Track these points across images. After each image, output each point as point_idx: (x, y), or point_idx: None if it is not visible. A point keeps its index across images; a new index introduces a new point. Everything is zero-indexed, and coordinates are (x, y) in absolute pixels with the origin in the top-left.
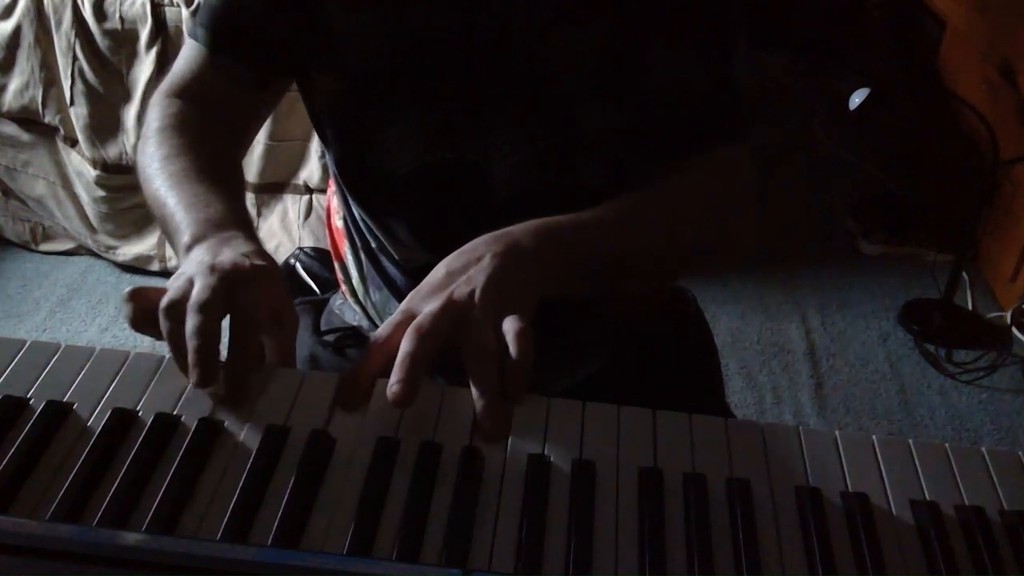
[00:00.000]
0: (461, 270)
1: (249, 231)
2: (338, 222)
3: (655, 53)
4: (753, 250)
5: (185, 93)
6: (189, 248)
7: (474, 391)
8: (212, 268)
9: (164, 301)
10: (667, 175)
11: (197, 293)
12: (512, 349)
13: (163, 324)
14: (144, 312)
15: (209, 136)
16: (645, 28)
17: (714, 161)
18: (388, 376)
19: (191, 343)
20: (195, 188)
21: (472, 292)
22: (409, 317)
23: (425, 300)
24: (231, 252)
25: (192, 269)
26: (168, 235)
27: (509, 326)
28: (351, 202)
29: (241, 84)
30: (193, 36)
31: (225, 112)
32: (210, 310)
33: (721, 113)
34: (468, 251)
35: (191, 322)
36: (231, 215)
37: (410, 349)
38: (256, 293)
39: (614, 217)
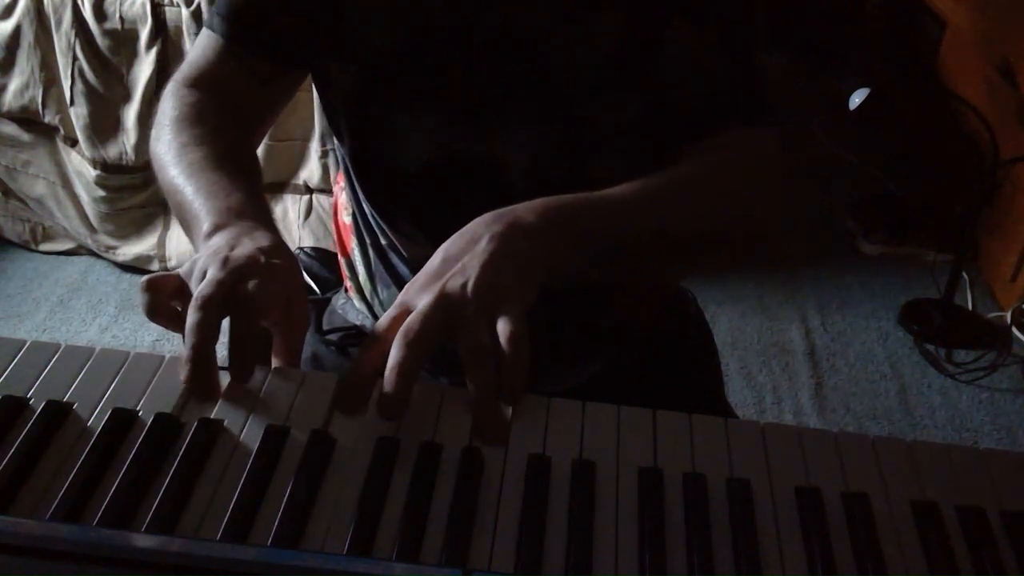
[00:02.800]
0: (456, 256)
1: (269, 222)
2: (346, 218)
3: (673, 39)
4: (768, 236)
5: (201, 83)
6: (209, 236)
7: (470, 390)
8: (225, 261)
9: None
10: (685, 158)
11: (202, 288)
12: (506, 353)
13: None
14: (161, 302)
15: (226, 126)
16: (661, 16)
17: (734, 142)
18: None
19: (188, 339)
20: (214, 177)
21: (464, 284)
22: (405, 312)
23: (418, 294)
24: (249, 244)
25: (207, 261)
26: (185, 223)
27: (502, 327)
28: (362, 198)
29: (257, 75)
30: (210, 26)
31: (241, 102)
32: (211, 306)
33: (740, 97)
34: (467, 232)
35: (191, 318)
36: (252, 205)
37: (399, 358)
38: (265, 289)
39: (625, 196)
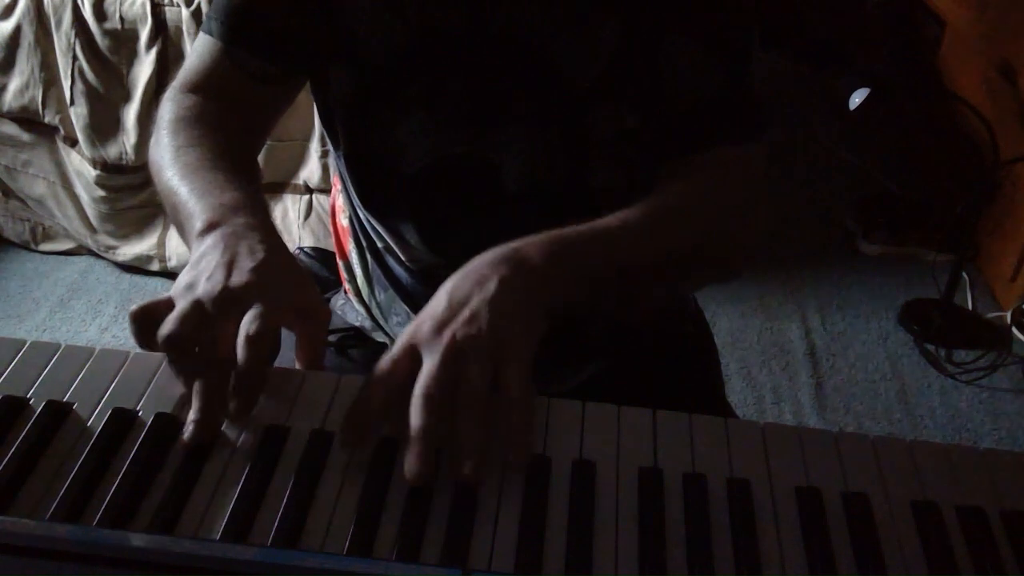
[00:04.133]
0: (464, 300)
1: (265, 218)
2: (343, 221)
3: (670, 50)
4: (757, 250)
5: (199, 88)
6: (203, 234)
7: (451, 437)
8: (224, 292)
9: (166, 329)
10: (679, 175)
11: (221, 348)
12: (510, 418)
13: (167, 355)
14: (152, 330)
15: (224, 128)
16: (659, 26)
17: (727, 160)
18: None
19: (200, 384)
20: (210, 176)
21: (476, 335)
22: (410, 350)
23: (428, 342)
24: (246, 263)
25: (201, 288)
26: (180, 224)
27: (510, 380)
28: (357, 202)
29: (256, 78)
30: (207, 31)
31: (240, 106)
32: (221, 347)
33: (736, 112)
34: (473, 273)
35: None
36: (247, 200)
37: (422, 425)
38: (266, 315)
39: (627, 226)
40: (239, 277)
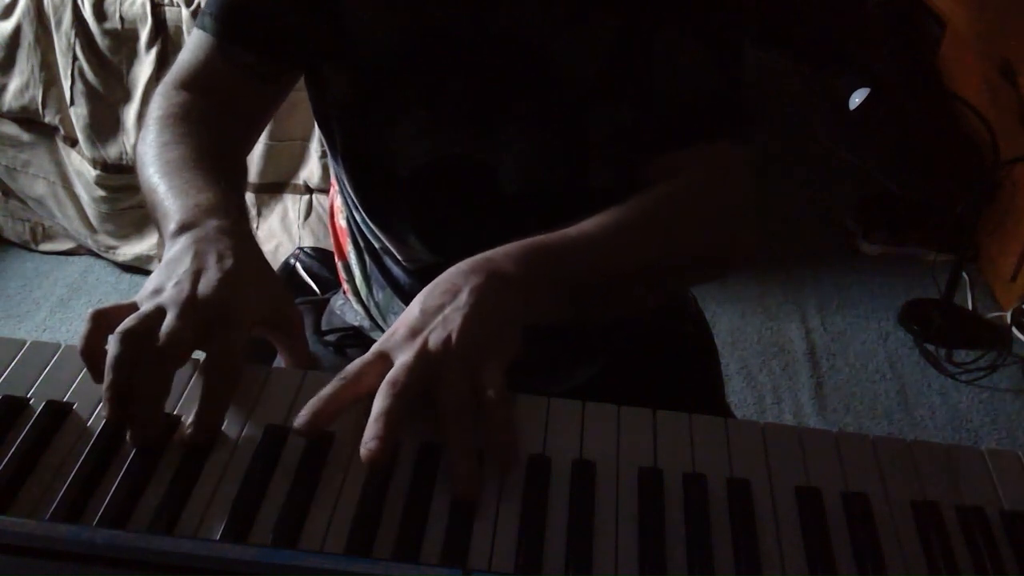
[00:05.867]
0: (436, 309)
1: (239, 220)
2: (341, 222)
3: (669, 49)
4: (754, 254)
5: (191, 84)
6: (175, 235)
7: (446, 448)
8: (188, 302)
9: (124, 324)
10: (671, 173)
11: (164, 336)
12: (489, 413)
13: (115, 351)
14: (104, 335)
15: (211, 125)
16: (659, 24)
17: (715, 161)
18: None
19: (141, 388)
20: (188, 176)
21: (447, 338)
22: (381, 359)
23: (399, 346)
24: (212, 271)
25: (166, 294)
26: (157, 223)
27: (484, 386)
28: (355, 203)
29: (249, 75)
30: (202, 26)
31: (231, 104)
32: (172, 361)
33: (726, 111)
34: (445, 283)
35: (146, 375)
36: (223, 202)
37: (385, 407)
38: (234, 326)
39: (604, 232)
40: (205, 288)
